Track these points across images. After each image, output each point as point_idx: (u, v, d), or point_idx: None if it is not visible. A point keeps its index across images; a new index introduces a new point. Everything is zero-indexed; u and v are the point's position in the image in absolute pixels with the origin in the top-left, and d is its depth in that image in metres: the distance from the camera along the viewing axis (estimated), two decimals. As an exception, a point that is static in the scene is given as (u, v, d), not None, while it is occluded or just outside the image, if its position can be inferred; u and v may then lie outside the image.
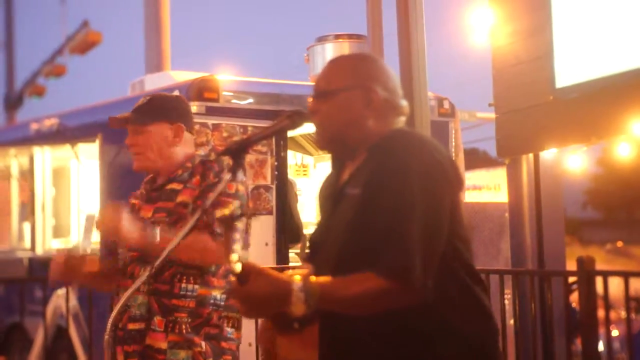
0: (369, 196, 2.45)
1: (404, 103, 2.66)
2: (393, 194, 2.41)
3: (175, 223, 3.53)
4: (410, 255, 2.34)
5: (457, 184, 2.54)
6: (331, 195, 2.67)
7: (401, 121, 2.65)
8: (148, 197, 3.75)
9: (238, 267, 2.33)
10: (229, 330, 3.64)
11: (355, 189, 2.51)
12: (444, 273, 2.42)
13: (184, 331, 3.52)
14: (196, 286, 3.55)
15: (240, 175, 3.58)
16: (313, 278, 2.39)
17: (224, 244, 2.30)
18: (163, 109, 3.73)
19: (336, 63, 2.69)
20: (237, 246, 2.29)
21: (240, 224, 2.25)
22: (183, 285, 3.55)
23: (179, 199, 3.61)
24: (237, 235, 2.25)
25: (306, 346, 2.48)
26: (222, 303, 3.60)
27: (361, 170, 2.55)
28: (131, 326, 3.55)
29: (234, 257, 2.30)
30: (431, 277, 2.37)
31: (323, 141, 2.67)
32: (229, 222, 2.35)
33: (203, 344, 3.55)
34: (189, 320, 3.53)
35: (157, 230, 3.45)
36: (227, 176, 2.54)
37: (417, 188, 2.40)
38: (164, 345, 3.51)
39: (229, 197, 3.52)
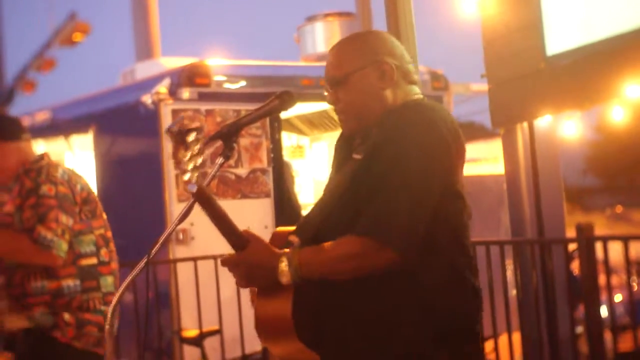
0: (369, 164, 2.50)
1: (412, 68, 2.68)
2: (385, 161, 2.44)
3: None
4: (389, 216, 2.38)
5: (456, 151, 2.54)
6: (341, 158, 2.71)
7: (415, 88, 2.68)
8: None
9: (192, 188, 2.35)
10: (99, 308, 3.88)
11: (359, 154, 2.57)
12: (430, 247, 2.44)
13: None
14: (45, 282, 3.80)
15: (62, 175, 3.85)
16: (297, 249, 2.45)
17: (174, 159, 2.35)
18: None
19: (340, 48, 2.69)
20: (190, 166, 2.30)
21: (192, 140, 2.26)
22: (33, 284, 3.80)
23: (6, 209, 3.86)
24: (188, 155, 2.29)
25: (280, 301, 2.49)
26: (78, 289, 3.84)
27: (369, 138, 2.58)
28: None
29: (186, 177, 2.31)
30: (412, 238, 2.38)
31: (352, 127, 2.67)
32: (176, 138, 2.36)
33: (66, 315, 3.81)
34: (50, 311, 3.80)
35: None
36: (219, 160, 2.53)
37: (411, 157, 2.42)
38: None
39: (50, 199, 3.77)
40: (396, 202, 2.39)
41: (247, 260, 2.46)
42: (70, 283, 3.83)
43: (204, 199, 2.41)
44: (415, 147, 2.44)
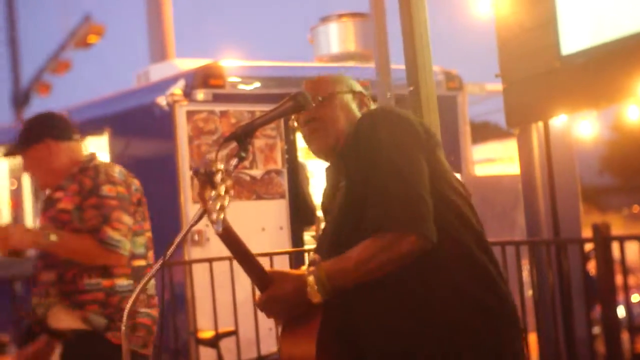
0: (352, 176, 2.59)
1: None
2: (364, 163, 2.52)
3: (60, 229, 3.82)
4: (393, 206, 2.42)
5: (427, 137, 2.60)
6: (333, 188, 2.80)
7: None
8: (43, 207, 4.06)
9: (218, 229, 2.34)
10: (143, 311, 3.90)
11: (342, 182, 2.67)
12: (450, 240, 2.47)
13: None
14: (100, 279, 3.82)
15: (119, 175, 3.91)
16: (321, 264, 2.47)
17: (200, 199, 2.35)
18: (28, 133, 4.03)
19: (316, 78, 2.84)
20: (217, 206, 2.31)
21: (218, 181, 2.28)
22: (86, 281, 3.81)
23: (60, 206, 3.88)
24: (213, 194, 2.30)
25: (305, 340, 2.49)
26: (130, 288, 3.86)
27: (346, 161, 2.66)
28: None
29: (213, 216, 2.31)
30: (424, 220, 2.41)
31: (323, 146, 2.74)
32: (203, 178, 2.36)
33: (119, 317, 3.80)
34: (102, 310, 3.80)
35: (50, 234, 3.73)
36: (233, 161, 2.52)
37: (384, 146, 2.50)
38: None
39: (112, 200, 3.81)
40: (390, 190, 2.44)
41: (275, 294, 2.48)
42: (123, 282, 3.86)
43: (230, 239, 2.42)
44: (385, 137, 2.52)
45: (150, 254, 4.04)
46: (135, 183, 4.02)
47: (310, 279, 2.44)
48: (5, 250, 3.80)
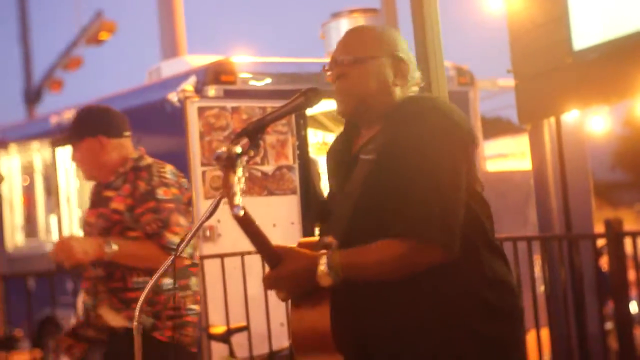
0: (385, 163, 2.49)
1: (418, 74, 2.71)
2: (408, 159, 2.44)
3: (111, 228, 3.84)
4: (427, 214, 2.38)
5: (472, 144, 2.56)
6: (344, 162, 2.70)
7: (414, 91, 2.70)
8: (91, 202, 4.06)
9: (240, 212, 2.35)
10: (189, 307, 3.92)
11: (369, 155, 2.56)
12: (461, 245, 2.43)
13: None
14: (147, 277, 3.80)
15: (171, 175, 3.89)
16: (336, 250, 2.44)
17: (224, 186, 2.35)
18: (82, 126, 4.02)
19: (361, 32, 2.72)
20: (238, 189, 2.32)
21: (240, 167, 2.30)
22: (135, 279, 3.83)
23: (112, 205, 3.88)
24: (236, 179, 2.31)
25: (317, 314, 2.48)
26: (176, 286, 3.87)
27: (376, 138, 2.58)
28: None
29: (237, 200, 2.32)
30: (453, 233, 2.39)
31: (347, 106, 2.67)
32: (226, 163, 2.36)
33: (166, 316, 3.84)
34: (149, 308, 3.79)
35: (112, 243, 3.73)
36: (245, 157, 2.52)
37: (432, 151, 2.43)
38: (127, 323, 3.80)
39: (168, 203, 3.81)
40: (430, 199, 2.39)
41: (285, 271, 2.46)
42: (170, 281, 3.85)
43: (247, 223, 2.42)
44: (438, 142, 2.45)
45: (197, 253, 4.07)
46: (185, 182, 4.02)
47: (323, 262, 2.42)
48: (70, 264, 3.79)
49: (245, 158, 2.47)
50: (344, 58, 2.64)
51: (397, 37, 2.69)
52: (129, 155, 4.01)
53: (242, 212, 2.35)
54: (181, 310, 3.91)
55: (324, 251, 2.46)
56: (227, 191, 2.35)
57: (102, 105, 4.21)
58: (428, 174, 2.42)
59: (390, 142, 2.51)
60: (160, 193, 3.84)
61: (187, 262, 3.94)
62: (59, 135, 4.16)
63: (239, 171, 2.34)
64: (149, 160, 3.99)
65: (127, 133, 4.09)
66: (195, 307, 3.98)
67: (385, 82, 2.62)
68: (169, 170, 3.95)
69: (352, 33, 2.71)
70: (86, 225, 4.02)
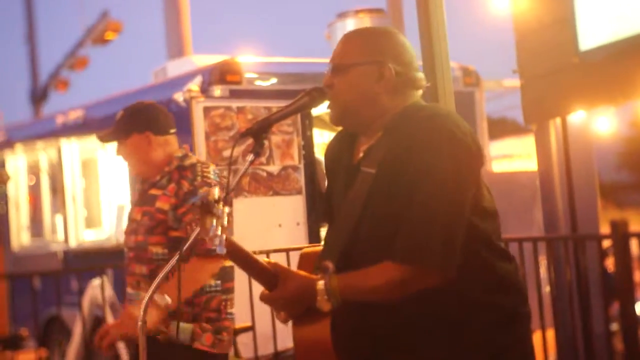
0: (385, 178, 2.45)
1: (421, 76, 2.63)
2: (411, 175, 2.39)
3: (155, 227, 3.84)
4: (428, 238, 2.34)
5: (480, 158, 2.49)
6: (344, 167, 2.66)
7: (418, 94, 2.62)
8: (137, 200, 4.04)
9: (222, 251, 2.37)
10: (229, 311, 3.92)
11: (371, 168, 2.50)
12: (464, 255, 2.39)
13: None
14: None
15: (214, 175, 3.86)
16: (334, 276, 2.42)
17: (201, 228, 2.35)
18: (130, 122, 4.01)
19: (350, 37, 2.67)
20: (219, 231, 2.33)
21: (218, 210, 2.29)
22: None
23: (157, 204, 3.87)
24: (214, 221, 2.31)
25: (319, 327, 2.50)
26: (219, 288, 3.88)
27: (376, 149, 2.53)
28: None
29: (216, 242, 2.33)
30: (453, 257, 2.35)
31: (334, 116, 2.65)
32: (202, 210, 2.36)
33: (204, 324, 3.83)
34: (189, 309, 3.78)
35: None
36: (249, 157, 2.53)
37: (436, 169, 2.37)
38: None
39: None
40: (432, 222, 2.35)
41: (284, 296, 2.47)
42: (211, 282, 3.85)
43: (234, 255, 2.45)
44: (444, 160, 2.38)
45: None
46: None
47: (321, 287, 2.41)
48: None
49: (248, 160, 2.49)
50: (328, 68, 2.63)
51: (387, 41, 2.60)
52: (174, 152, 4.01)
53: (224, 251, 2.36)
54: (222, 314, 3.90)
55: (322, 276, 2.43)
56: (204, 235, 2.36)
57: (150, 101, 4.18)
58: (434, 195, 2.36)
59: (392, 158, 2.45)
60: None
61: (228, 262, 3.89)
62: (105, 131, 4.12)
63: (219, 212, 2.34)
64: (193, 159, 3.98)
65: (173, 130, 4.09)
66: (233, 311, 3.96)
67: (365, 90, 2.56)
68: (212, 170, 3.93)
69: (341, 41, 2.66)
70: (132, 222, 4.01)
